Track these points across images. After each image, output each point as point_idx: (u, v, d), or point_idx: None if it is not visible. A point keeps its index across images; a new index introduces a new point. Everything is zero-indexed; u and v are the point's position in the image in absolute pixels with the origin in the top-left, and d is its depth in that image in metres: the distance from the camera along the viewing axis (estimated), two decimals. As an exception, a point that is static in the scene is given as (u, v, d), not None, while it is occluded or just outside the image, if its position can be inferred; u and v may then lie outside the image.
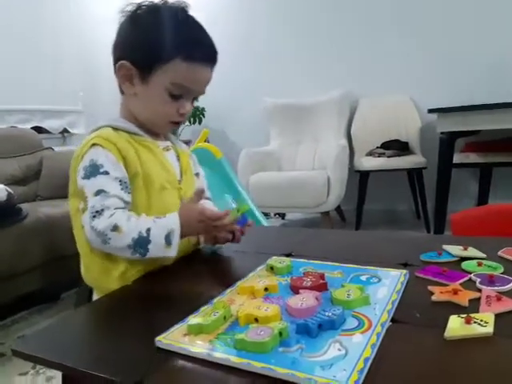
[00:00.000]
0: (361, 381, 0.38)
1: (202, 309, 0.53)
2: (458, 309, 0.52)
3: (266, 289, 0.57)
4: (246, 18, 3.76)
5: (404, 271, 0.64)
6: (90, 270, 0.78)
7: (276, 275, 0.64)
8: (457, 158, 2.53)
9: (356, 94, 3.35)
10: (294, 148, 3.41)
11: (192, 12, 0.78)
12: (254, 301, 0.54)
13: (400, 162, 2.91)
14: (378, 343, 0.44)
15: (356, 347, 0.43)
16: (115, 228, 0.67)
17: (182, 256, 0.78)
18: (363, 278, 0.63)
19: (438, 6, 3.12)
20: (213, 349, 0.45)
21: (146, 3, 0.77)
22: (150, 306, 0.60)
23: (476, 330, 0.45)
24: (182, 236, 0.72)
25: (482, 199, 3.00)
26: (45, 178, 2.44)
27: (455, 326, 0.46)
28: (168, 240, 0.70)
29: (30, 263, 1.75)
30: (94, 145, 0.73)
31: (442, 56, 3.14)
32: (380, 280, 0.62)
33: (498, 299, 0.52)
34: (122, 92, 0.80)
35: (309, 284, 0.57)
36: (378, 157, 3.00)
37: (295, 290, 0.57)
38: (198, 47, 0.74)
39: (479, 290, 0.56)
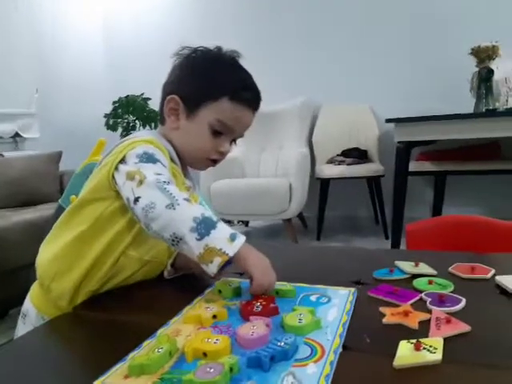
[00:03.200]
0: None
1: (145, 343, 0.50)
2: (408, 332, 0.52)
3: (214, 316, 0.55)
4: (209, 26, 3.73)
5: (352, 289, 0.64)
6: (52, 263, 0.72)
7: (225, 299, 0.62)
8: (413, 166, 2.61)
9: (318, 102, 3.40)
10: (257, 155, 3.41)
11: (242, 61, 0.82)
12: (201, 331, 0.51)
13: (359, 170, 2.97)
14: (331, 374, 0.43)
15: (310, 379, 0.42)
16: (187, 199, 0.64)
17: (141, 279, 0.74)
18: (313, 298, 0.62)
19: (396, 20, 3.22)
20: (158, 393, 0.41)
21: (201, 48, 0.80)
22: (91, 339, 0.56)
23: (425, 357, 0.45)
24: (238, 257, 0.62)
25: (437, 206, 3.12)
26: (-8, 186, 2.31)
27: (404, 353, 0.46)
28: (233, 236, 0.62)
29: (-26, 278, 1.64)
30: (145, 141, 0.71)
31: (400, 68, 3.24)
32: (330, 300, 0.61)
33: (448, 321, 0.52)
34: (162, 123, 0.81)
35: (259, 309, 0.55)
36: (338, 164, 3.05)
37: (245, 316, 0.55)
38: (245, 90, 0.77)
39: (430, 311, 0.56)
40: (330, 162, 3.14)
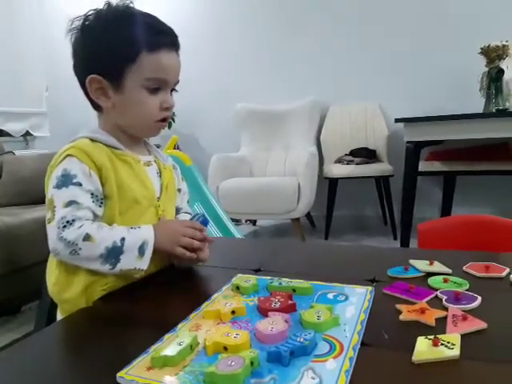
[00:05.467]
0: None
1: (166, 337, 0.51)
2: (425, 329, 0.52)
3: (233, 311, 0.56)
4: (218, 24, 3.75)
5: (370, 288, 0.64)
6: (54, 282, 0.74)
7: (242, 295, 0.63)
8: (422, 166, 2.60)
9: (326, 102, 3.40)
10: (265, 154, 3.42)
11: (137, 5, 0.76)
12: (221, 326, 0.52)
13: (368, 170, 2.97)
14: (351, 369, 0.43)
15: (330, 375, 0.42)
16: (87, 237, 0.65)
17: (153, 271, 0.75)
18: (330, 295, 0.62)
19: (408, 19, 3.21)
20: (181, 384, 0.42)
21: (91, 12, 0.74)
22: (111, 332, 0.57)
23: (443, 353, 0.45)
24: (155, 250, 0.71)
25: (446, 206, 3.10)
26: (4, 184, 2.34)
27: (423, 348, 0.46)
28: (141, 251, 0.68)
29: (-12, 275, 1.66)
30: (68, 155, 0.70)
31: (410, 67, 3.23)
32: (347, 298, 0.61)
33: (464, 318, 0.53)
34: (96, 108, 0.78)
35: (277, 305, 0.56)
36: (347, 164, 3.04)
37: (263, 312, 0.56)
38: (158, 35, 0.73)
39: (446, 308, 0.57)
40: (339, 161, 3.14)
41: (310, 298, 0.61)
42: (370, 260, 0.84)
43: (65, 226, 0.65)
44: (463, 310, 0.55)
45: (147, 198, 0.77)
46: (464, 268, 0.73)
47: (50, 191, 0.69)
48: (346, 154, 3.16)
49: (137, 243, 0.69)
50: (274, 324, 0.51)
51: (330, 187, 3.04)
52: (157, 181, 0.81)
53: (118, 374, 0.44)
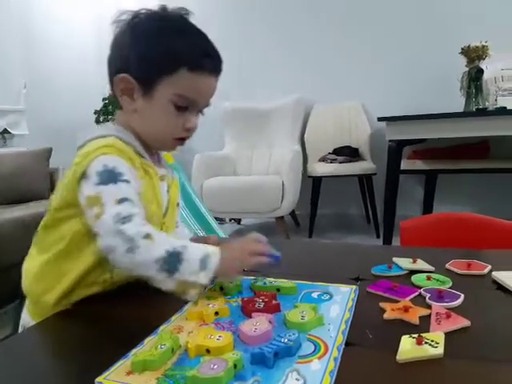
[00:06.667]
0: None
1: (147, 340, 0.49)
2: (409, 327, 0.52)
3: (216, 313, 0.54)
4: (201, 22, 3.70)
5: (354, 287, 0.64)
6: (35, 280, 0.70)
7: (226, 296, 0.62)
8: (404, 165, 2.62)
9: (310, 100, 3.40)
10: (249, 152, 3.41)
11: (192, 18, 0.73)
12: (204, 328, 0.51)
13: (351, 168, 2.99)
14: (336, 370, 0.43)
15: (314, 376, 0.42)
16: (147, 236, 0.58)
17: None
18: (314, 295, 0.62)
19: (388, 19, 3.24)
20: (161, 388, 0.41)
21: (144, 11, 0.70)
22: (90, 336, 0.55)
23: (427, 351, 0.45)
24: (217, 270, 0.60)
25: (428, 204, 3.14)
26: (-19, 183, 2.28)
27: (407, 347, 0.46)
28: (203, 264, 0.59)
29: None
30: (104, 153, 0.64)
31: (392, 67, 3.26)
32: (331, 297, 0.61)
33: (448, 316, 0.53)
34: (119, 107, 0.74)
35: (261, 306, 0.55)
36: (330, 163, 3.06)
37: (247, 313, 0.55)
38: (203, 57, 0.69)
39: (429, 306, 0.57)
40: (322, 160, 3.16)
41: (295, 298, 0.60)
42: (354, 258, 0.84)
43: (123, 222, 0.58)
44: (446, 308, 0.56)
45: (157, 216, 0.72)
46: (446, 266, 0.73)
47: (92, 188, 0.61)
48: (329, 153, 3.17)
49: (199, 254, 0.60)
50: (258, 325, 0.50)
51: (314, 186, 3.05)
52: (165, 197, 0.76)
53: (97, 380, 0.43)
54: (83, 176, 0.63)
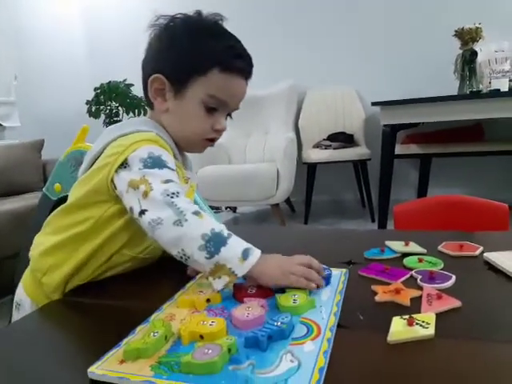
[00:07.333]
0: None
1: (139, 328, 0.49)
2: (400, 309, 0.52)
3: (208, 300, 0.54)
4: (191, 7, 3.66)
5: (344, 270, 0.65)
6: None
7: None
8: (399, 150, 2.63)
9: (303, 86, 3.38)
10: (243, 140, 3.39)
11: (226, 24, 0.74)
12: (196, 315, 0.51)
13: (346, 154, 2.98)
14: (330, 350, 0.43)
15: (308, 357, 0.42)
16: (197, 213, 0.58)
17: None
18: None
19: (381, 3, 3.20)
20: (156, 376, 0.40)
21: (179, 15, 0.72)
22: (82, 326, 0.55)
23: (418, 332, 0.45)
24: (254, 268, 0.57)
25: (422, 188, 3.16)
26: (-28, 176, 2.25)
27: (398, 329, 0.46)
28: (245, 254, 0.57)
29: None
30: (145, 145, 0.65)
31: (385, 51, 3.24)
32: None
33: (439, 297, 0.53)
34: (150, 107, 0.75)
35: (253, 291, 0.55)
36: (325, 149, 3.05)
37: (239, 298, 0.55)
38: (236, 58, 0.70)
39: (421, 288, 0.57)
40: (317, 146, 3.15)
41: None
42: (347, 243, 0.84)
43: (172, 196, 0.59)
44: (438, 289, 0.56)
45: None
46: (439, 247, 0.73)
47: (137, 173, 0.61)
48: (323, 139, 3.16)
49: (243, 245, 0.58)
50: (250, 310, 0.50)
51: (309, 172, 3.05)
52: None
53: (89, 369, 0.42)
54: (124, 164, 0.63)
